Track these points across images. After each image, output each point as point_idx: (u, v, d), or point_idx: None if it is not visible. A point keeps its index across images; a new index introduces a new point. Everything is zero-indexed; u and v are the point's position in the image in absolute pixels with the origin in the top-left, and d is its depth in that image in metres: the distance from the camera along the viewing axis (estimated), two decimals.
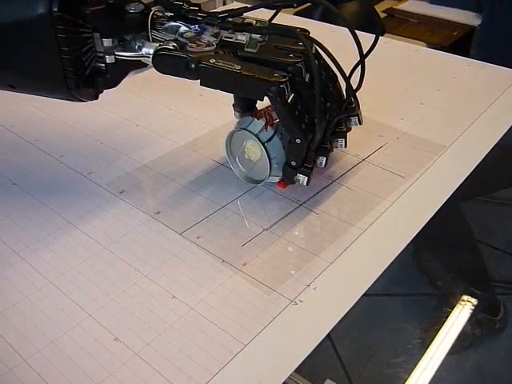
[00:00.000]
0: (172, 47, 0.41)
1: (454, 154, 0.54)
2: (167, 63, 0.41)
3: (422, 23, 1.59)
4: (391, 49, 0.78)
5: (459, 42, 1.47)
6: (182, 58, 0.40)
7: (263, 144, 0.45)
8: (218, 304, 0.37)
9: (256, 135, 0.45)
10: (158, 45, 0.41)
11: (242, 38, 0.42)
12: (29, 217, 0.45)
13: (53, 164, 0.52)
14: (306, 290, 0.39)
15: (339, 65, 0.45)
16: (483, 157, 0.54)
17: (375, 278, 0.40)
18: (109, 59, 0.42)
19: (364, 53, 0.43)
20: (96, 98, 0.45)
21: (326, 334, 0.36)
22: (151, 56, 0.41)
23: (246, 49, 0.41)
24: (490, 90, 0.66)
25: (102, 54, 0.42)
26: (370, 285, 0.39)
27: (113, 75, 0.43)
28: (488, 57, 0.76)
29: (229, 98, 0.47)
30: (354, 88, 0.46)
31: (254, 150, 0.47)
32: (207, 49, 0.41)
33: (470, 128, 0.58)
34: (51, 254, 0.42)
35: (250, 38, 0.42)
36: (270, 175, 0.46)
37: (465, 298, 0.58)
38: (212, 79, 0.40)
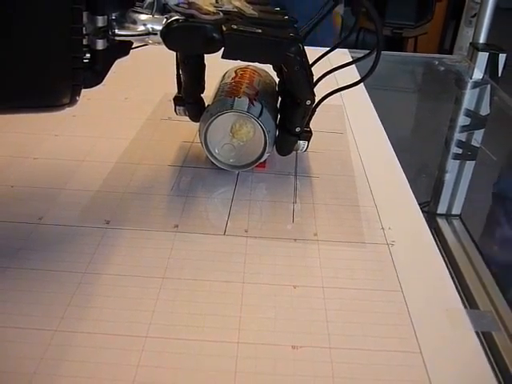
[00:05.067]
0: (181, 19, 0.34)
1: None
2: (185, 36, 0.34)
3: None
4: None
5: None
6: (204, 27, 0.34)
7: (257, 119, 0.42)
8: None
9: (248, 112, 0.42)
10: (163, 18, 0.34)
11: (237, 3, 0.38)
12: None
13: None
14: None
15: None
16: None
17: None
18: (102, 44, 0.32)
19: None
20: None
21: None
22: (160, 31, 0.34)
23: (247, 13, 0.38)
24: None
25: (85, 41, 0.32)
26: None
27: (104, 66, 0.33)
28: None
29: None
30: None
31: (244, 130, 0.43)
32: (215, 17, 0.36)
33: None
34: None
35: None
36: (266, 152, 0.44)
37: None
38: (237, 47, 0.36)
